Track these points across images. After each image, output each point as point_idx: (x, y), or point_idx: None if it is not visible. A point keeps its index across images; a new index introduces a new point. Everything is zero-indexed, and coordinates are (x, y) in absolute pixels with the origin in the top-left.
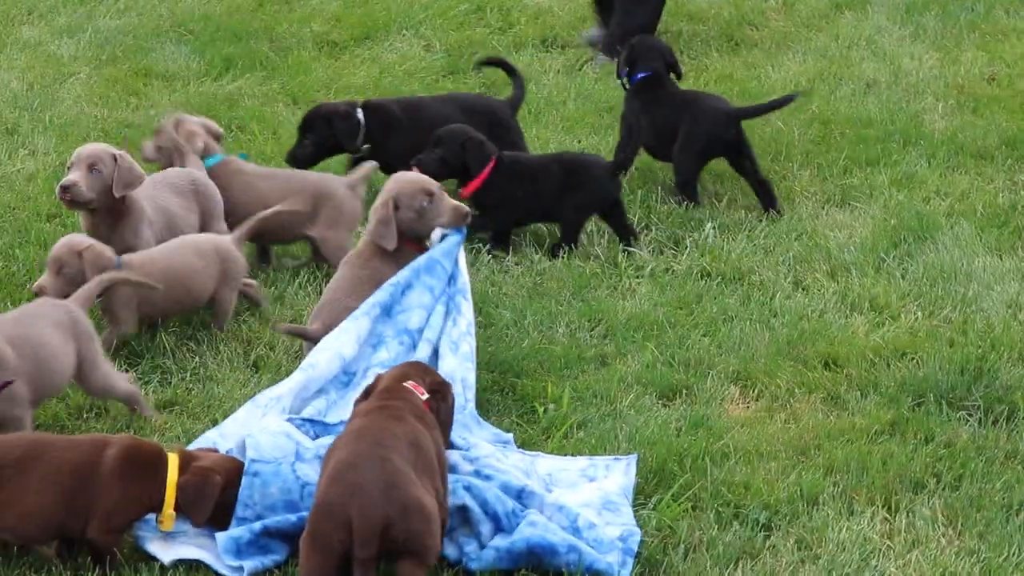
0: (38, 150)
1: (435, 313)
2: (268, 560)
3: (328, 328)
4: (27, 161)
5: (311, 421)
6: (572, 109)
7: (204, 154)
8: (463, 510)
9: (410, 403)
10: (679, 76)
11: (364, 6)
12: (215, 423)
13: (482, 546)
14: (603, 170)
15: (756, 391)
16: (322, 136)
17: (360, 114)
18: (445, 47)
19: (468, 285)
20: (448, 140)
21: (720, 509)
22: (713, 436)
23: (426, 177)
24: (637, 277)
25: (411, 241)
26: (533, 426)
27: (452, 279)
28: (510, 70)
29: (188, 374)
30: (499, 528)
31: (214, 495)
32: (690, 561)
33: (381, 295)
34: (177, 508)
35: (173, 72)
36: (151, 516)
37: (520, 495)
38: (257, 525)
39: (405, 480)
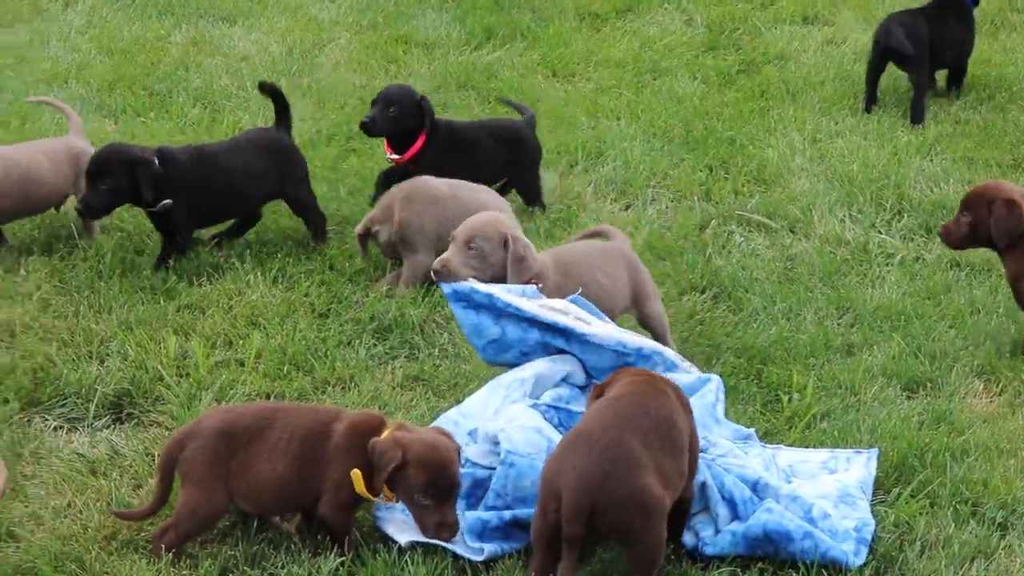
0: (294, 116)
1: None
2: (507, 547)
3: None
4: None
5: (555, 408)
6: (830, 90)
7: None
8: (702, 487)
9: (671, 382)
10: (976, 3)
11: None
12: (459, 401)
13: (718, 530)
14: (531, 128)
15: (1000, 386)
16: (121, 183)
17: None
18: (706, 22)
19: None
20: (401, 100)
21: (958, 507)
22: (955, 431)
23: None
24: (887, 265)
25: None
26: (776, 415)
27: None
28: (278, 100)
29: (436, 350)
30: (735, 515)
31: (389, 465)
32: (926, 559)
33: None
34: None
35: (433, 40)
36: None
37: (755, 486)
38: (507, 514)
39: (630, 468)
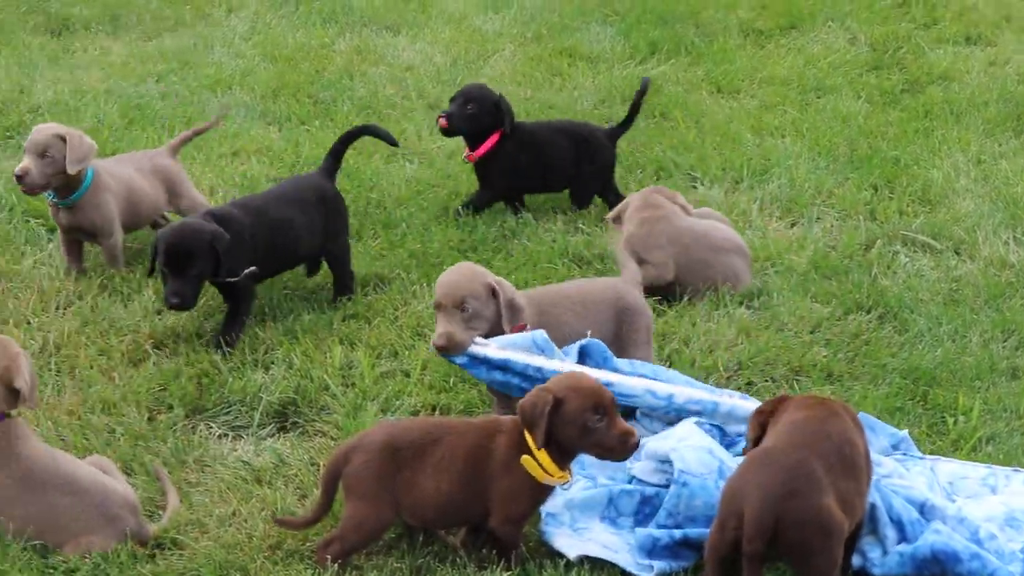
0: None
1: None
2: (675, 565)
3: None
4: (448, 138)
5: (716, 427)
6: (994, 112)
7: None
8: (871, 509)
9: (843, 403)
10: None
11: None
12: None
13: (885, 552)
14: (606, 136)
15: None
16: (207, 264)
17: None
18: (869, 41)
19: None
20: (480, 98)
21: None
22: None
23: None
24: None
25: None
26: (942, 438)
27: None
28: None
29: None
30: (902, 536)
31: (544, 410)
32: None
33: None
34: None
35: (597, 54)
36: (559, 513)
37: (922, 508)
38: (678, 532)
39: (812, 488)
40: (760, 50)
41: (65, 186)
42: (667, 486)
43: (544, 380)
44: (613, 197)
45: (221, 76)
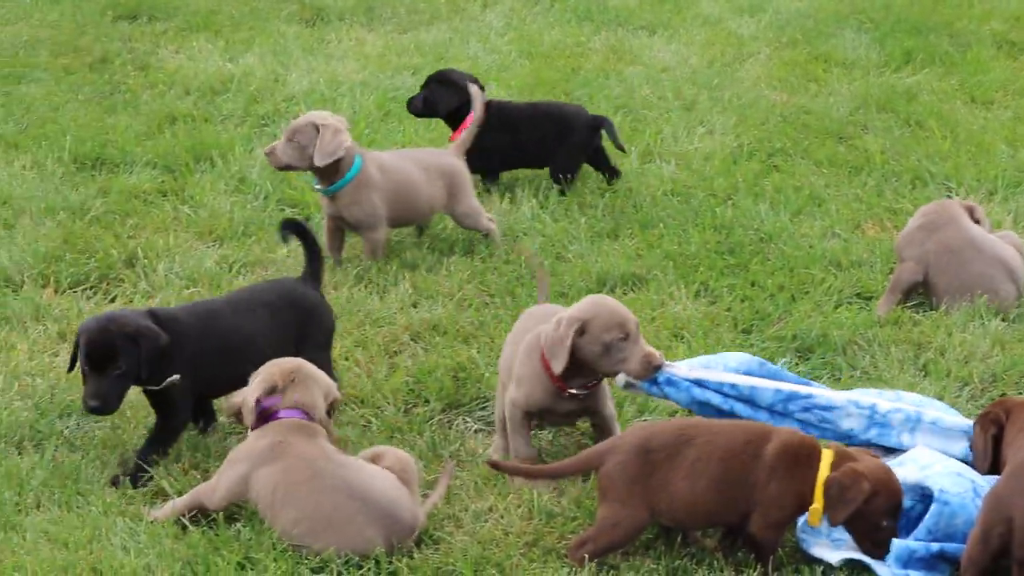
0: (716, 130)
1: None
2: None
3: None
4: (705, 140)
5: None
6: None
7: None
8: None
9: None
10: None
11: None
12: None
13: None
14: (585, 119)
15: None
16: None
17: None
18: None
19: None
20: (432, 83)
21: None
22: None
23: (627, 312)
24: None
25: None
26: None
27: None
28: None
29: (858, 372)
30: None
31: (857, 499)
32: None
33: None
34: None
35: (852, 60)
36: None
37: None
38: (935, 546)
39: None
40: (1013, 62)
41: (325, 174)
42: (912, 506)
43: (739, 398)
44: (609, 174)
45: (477, 71)
